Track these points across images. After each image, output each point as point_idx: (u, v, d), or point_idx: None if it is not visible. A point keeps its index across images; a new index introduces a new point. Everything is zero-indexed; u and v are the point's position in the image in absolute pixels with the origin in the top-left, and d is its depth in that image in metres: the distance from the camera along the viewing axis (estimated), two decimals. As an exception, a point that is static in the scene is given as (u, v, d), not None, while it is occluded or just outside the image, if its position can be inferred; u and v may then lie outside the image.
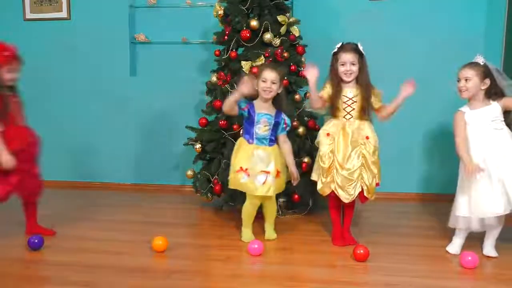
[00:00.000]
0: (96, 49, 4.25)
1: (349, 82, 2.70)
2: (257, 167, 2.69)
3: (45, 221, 2.98)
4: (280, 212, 3.24)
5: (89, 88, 4.27)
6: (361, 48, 2.68)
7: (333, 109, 2.73)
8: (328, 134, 2.71)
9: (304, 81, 3.42)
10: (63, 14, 4.27)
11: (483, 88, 2.55)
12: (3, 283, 2.22)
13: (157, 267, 2.45)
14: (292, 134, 3.26)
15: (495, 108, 2.54)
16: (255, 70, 3.03)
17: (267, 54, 3.23)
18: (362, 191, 2.67)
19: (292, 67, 3.33)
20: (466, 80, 2.54)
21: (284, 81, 3.23)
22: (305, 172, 3.11)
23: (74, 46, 4.28)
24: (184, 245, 2.77)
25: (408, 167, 3.94)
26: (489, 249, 2.60)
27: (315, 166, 2.81)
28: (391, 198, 3.87)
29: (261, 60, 3.22)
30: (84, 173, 4.39)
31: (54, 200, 3.94)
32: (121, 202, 3.76)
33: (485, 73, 2.53)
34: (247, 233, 2.83)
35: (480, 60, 2.56)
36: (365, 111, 2.69)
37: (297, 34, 3.42)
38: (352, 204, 2.76)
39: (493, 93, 2.56)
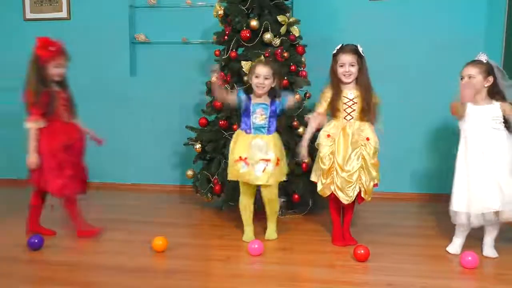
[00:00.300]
0: (96, 49, 4.24)
1: (348, 83, 2.70)
2: (256, 156, 2.69)
3: (45, 221, 2.98)
4: (280, 212, 3.24)
5: (89, 88, 4.26)
6: (360, 49, 2.68)
7: (333, 110, 2.73)
8: (328, 135, 2.70)
9: (304, 81, 3.43)
10: (63, 14, 4.27)
11: (486, 85, 2.55)
12: (3, 283, 2.22)
13: (157, 267, 2.45)
14: (292, 134, 3.27)
15: (496, 108, 2.55)
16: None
17: (267, 54, 3.23)
18: (359, 192, 2.67)
19: (292, 67, 3.33)
20: (469, 77, 2.54)
21: (284, 81, 3.24)
22: (305, 172, 3.11)
23: (74, 46, 4.26)
24: (184, 245, 2.76)
25: (408, 167, 3.94)
26: (488, 249, 2.60)
27: (315, 167, 2.81)
28: (391, 198, 3.87)
29: (260, 60, 3.22)
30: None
31: (54, 200, 3.94)
32: (121, 202, 3.76)
33: (488, 71, 2.54)
34: (247, 233, 2.84)
35: (483, 57, 2.56)
36: (365, 113, 2.69)
37: (297, 34, 3.42)
38: (352, 204, 2.76)
39: (496, 92, 2.56)
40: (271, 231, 2.90)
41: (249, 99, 2.77)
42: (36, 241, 2.63)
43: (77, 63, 4.26)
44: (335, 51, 2.71)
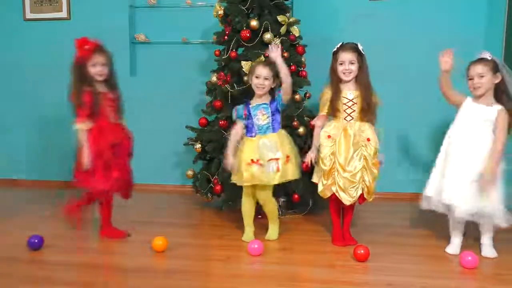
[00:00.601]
0: (96, 49, 4.24)
1: (348, 81, 2.69)
2: (266, 156, 2.68)
3: (45, 221, 2.98)
4: (280, 212, 3.23)
5: (89, 88, 4.27)
6: (360, 47, 2.68)
7: (333, 110, 2.72)
8: (329, 136, 2.70)
9: (304, 81, 3.43)
10: (63, 14, 4.27)
11: (496, 82, 2.54)
12: (3, 283, 2.22)
13: (157, 267, 2.45)
14: (292, 134, 3.26)
15: (493, 112, 2.53)
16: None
17: (267, 54, 3.22)
18: (362, 193, 2.67)
19: (292, 67, 3.33)
20: (481, 76, 2.52)
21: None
22: (305, 172, 3.10)
23: (74, 46, 4.27)
24: (184, 245, 2.77)
25: (408, 167, 3.94)
26: (487, 250, 2.60)
27: (316, 169, 2.80)
28: (391, 198, 3.87)
29: (261, 60, 3.21)
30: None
31: (54, 200, 3.94)
32: (120, 202, 3.76)
33: (495, 67, 2.53)
34: (247, 233, 2.84)
35: (487, 55, 2.56)
36: (365, 113, 2.68)
37: (297, 34, 3.42)
38: (352, 204, 2.76)
39: (503, 90, 2.55)
40: (272, 232, 2.89)
41: (247, 104, 2.77)
42: (36, 241, 2.63)
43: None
44: (335, 49, 2.71)
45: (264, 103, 2.76)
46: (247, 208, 2.83)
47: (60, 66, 4.30)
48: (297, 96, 3.38)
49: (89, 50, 2.71)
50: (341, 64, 2.67)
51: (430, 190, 2.65)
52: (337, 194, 2.67)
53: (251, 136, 2.75)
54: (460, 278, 2.34)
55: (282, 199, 3.29)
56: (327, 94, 2.73)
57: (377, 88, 2.75)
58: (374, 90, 2.72)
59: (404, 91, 3.83)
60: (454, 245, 2.65)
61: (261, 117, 2.74)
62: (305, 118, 3.41)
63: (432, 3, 3.83)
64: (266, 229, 2.92)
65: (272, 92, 2.80)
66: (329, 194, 2.71)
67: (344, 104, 2.69)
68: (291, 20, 3.39)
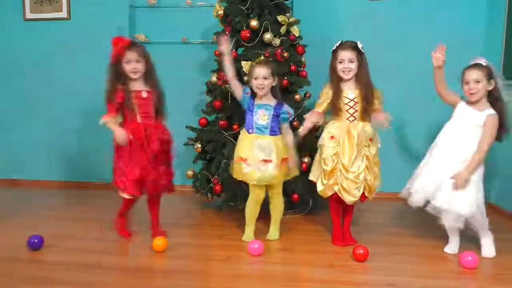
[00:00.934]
0: (96, 49, 4.24)
1: (347, 80, 2.69)
2: (258, 156, 2.68)
3: (46, 221, 2.98)
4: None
5: (89, 88, 4.26)
6: (360, 46, 2.67)
7: (335, 110, 2.71)
8: (332, 137, 2.70)
9: (304, 81, 3.43)
10: (63, 14, 4.27)
11: (489, 89, 2.54)
12: (3, 283, 2.22)
13: (157, 267, 2.45)
14: (292, 134, 3.26)
15: (482, 117, 2.52)
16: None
17: (267, 54, 3.23)
18: (363, 191, 2.68)
19: (292, 67, 3.33)
20: (476, 82, 2.51)
21: (284, 81, 3.24)
22: (305, 172, 3.10)
23: (74, 46, 4.28)
24: (184, 245, 2.77)
25: (408, 166, 3.92)
26: (486, 250, 2.60)
27: (314, 167, 2.81)
28: (391, 198, 3.86)
29: (261, 60, 3.21)
30: (84, 173, 4.39)
31: (54, 200, 3.95)
32: (121, 202, 3.76)
33: (490, 74, 2.53)
34: (248, 233, 2.84)
35: (483, 60, 2.55)
36: (367, 112, 2.67)
37: (297, 34, 3.42)
38: (353, 204, 2.76)
39: (496, 96, 2.55)
40: (274, 232, 2.89)
41: (253, 98, 2.77)
42: (36, 241, 2.63)
43: (77, 63, 4.33)
44: (334, 47, 2.71)
45: (268, 104, 2.75)
46: (252, 208, 2.81)
47: (60, 66, 4.33)
48: (297, 96, 3.38)
49: (121, 47, 2.69)
50: (341, 62, 2.67)
51: (410, 185, 2.69)
52: (339, 194, 2.67)
53: (248, 131, 2.76)
54: (460, 278, 2.35)
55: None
56: (327, 93, 2.72)
57: (377, 88, 2.75)
58: (374, 86, 2.71)
59: (404, 91, 3.83)
60: (453, 245, 2.66)
61: (262, 117, 2.74)
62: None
63: (432, 3, 3.83)
64: (266, 229, 2.92)
65: (274, 91, 2.79)
66: (329, 194, 2.71)
67: (346, 104, 2.68)
68: (291, 20, 3.39)
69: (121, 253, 2.62)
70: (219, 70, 3.47)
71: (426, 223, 3.16)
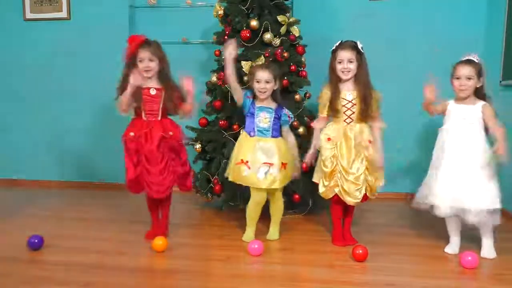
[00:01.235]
0: (96, 49, 4.24)
1: (346, 80, 2.68)
2: (259, 159, 2.68)
3: (46, 221, 2.98)
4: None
5: (89, 88, 4.27)
6: (360, 46, 2.67)
7: (333, 111, 2.71)
8: (329, 139, 2.69)
9: (304, 81, 3.43)
10: (63, 14, 4.27)
11: (478, 86, 2.55)
12: (3, 283, 2.22)
13: (157, 267, 2.45)
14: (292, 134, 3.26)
15: (477, 109, 2.53)
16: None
17: (267, 54, 3.23)
18: (365, 192, 2.68)
19: (292, 67, 3.33)
20: (468, 78, 2.52)
21: (284, 81, 3.24)
22: (306, 172, 3.10)
23: (74, 46, 4.28)
24: (184, 245, 2.77)
25: (408, 167, 3.94)
26: (486, 250, 2.59)
27: (317, 168, 2.80)
28: (391, 198, 3.87)
29: (261, 60, 3.22)
30: (84, 173, 4.39)
31: (54, 200, 3.95)
32: (121, 202, 3.76)
33: (480, 72, 2.54)
34: (248, 233, 2.84)
35: (475, 57, 2.56)
36: (365, 114, 2.66)
37: (297, 34, 3.42)
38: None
39: (483, 93, 2.58)
40: (274, 232, 2.89)
41: (253, 101, 2.77)
42: (36, 241, 2.63)
43: (77, 63, 4.33)
44: (334, 47, 2.70)
45: (269, 107, 2.75)
46: (253, 210, 2.80)
47: (60, 66, 4.33)
48: (297, 96, 3.38)
49: (135, 45, 2.68)
50: (340, 62, 2.66)
51: (421, 193, 2.66)
52: (340, 195, 2.67)
53: (250, 134, 2.75)
54: (460, 278, 2.34)
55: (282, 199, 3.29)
56: (326, 94, 2.71)
57: (377, 88, 2.74)
58: (373, 87, 2.70)
59: (404, 91, 3.83)
60: (453, 245, 2.65)
61: (263, 119, 2.73)
62: (305, 118, 3.42)
63: (432, 3, 3.83)
64: (266, 229, 2.92)
65: (274, 95, 2.78)
66: (331, 195, 2.71)
67: (344, 106, 2.67)
68: (291, 20, 3.39)
69: (121, 253, 2.62)
70: (219, 70, 3.47)
71: (426, 223, 3.16)
